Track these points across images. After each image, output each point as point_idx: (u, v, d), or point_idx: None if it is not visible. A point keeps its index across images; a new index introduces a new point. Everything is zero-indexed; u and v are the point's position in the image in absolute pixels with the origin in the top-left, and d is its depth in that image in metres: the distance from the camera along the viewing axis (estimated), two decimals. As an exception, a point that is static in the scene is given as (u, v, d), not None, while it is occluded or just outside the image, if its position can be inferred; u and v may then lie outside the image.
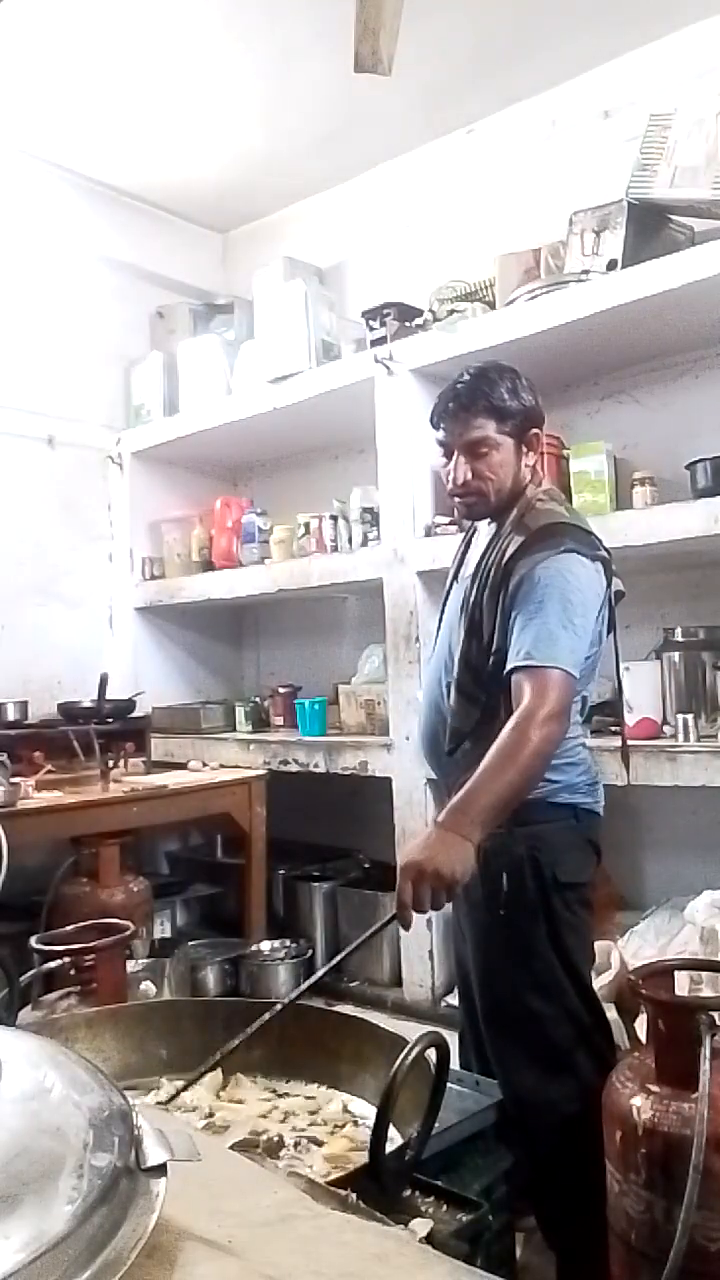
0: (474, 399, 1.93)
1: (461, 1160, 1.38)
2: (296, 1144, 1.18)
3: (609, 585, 1.91)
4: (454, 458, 1.96)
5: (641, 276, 2.72)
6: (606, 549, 1.94)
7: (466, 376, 1.97)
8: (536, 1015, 1.85)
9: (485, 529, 2.06)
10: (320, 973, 1.59)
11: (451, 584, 2.14)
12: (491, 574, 1.89)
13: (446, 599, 2.15)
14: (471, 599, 1.92)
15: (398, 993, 3.26)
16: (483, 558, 1.95)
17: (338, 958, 1.60)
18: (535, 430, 1.98)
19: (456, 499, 2.02)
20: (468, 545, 2.16)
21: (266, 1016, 1.35)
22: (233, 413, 3.82)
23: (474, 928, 1.96)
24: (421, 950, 3.18)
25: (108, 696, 3.51)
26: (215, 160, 3.90)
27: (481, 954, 1.93)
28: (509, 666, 1.79)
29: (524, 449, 1.96)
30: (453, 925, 2.19)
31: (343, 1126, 1.24)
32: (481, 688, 1.88)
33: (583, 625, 1.80)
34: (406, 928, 1.66)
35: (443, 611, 2.16)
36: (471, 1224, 0.98)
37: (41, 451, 3.98)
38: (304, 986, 1.54)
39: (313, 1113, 1.27)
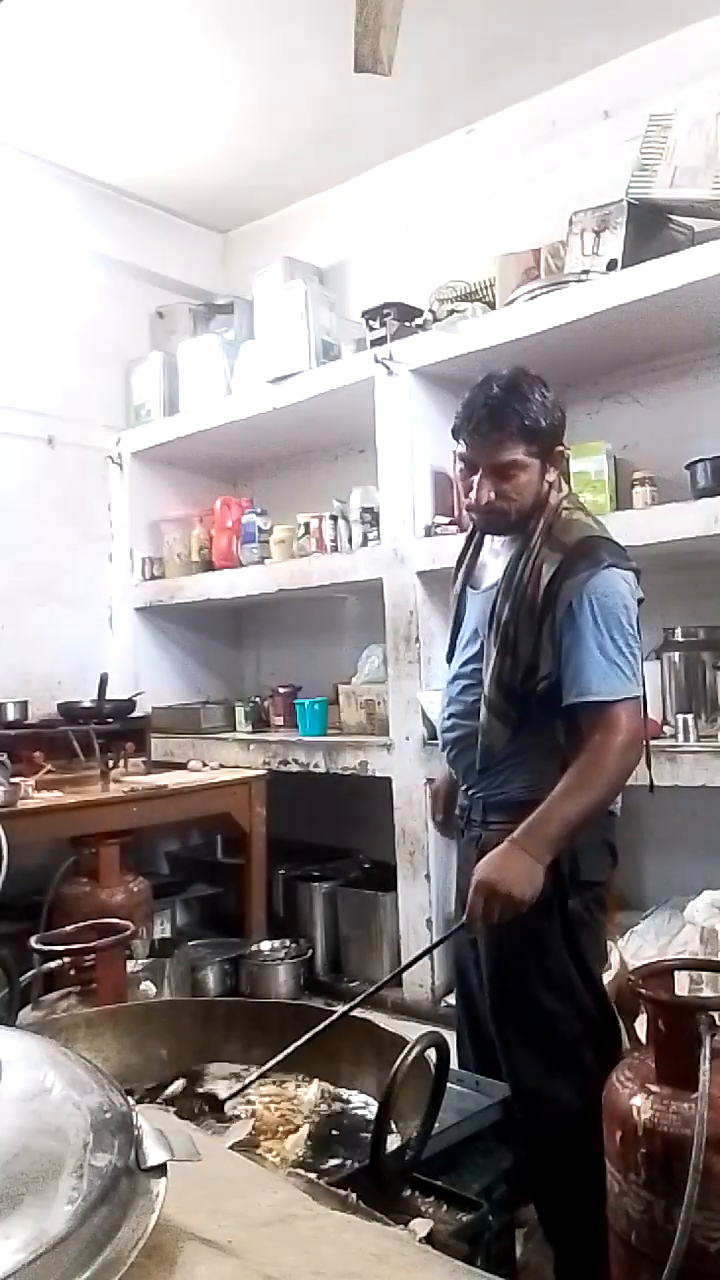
0: (506, 420, 1.85)
1: (461, 1160, 1.38)
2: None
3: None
4: (478, 474, 1.91)
5: (641, 276, 2.72)
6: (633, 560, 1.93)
7: (497, 390, 1.87)
8: (548, 1012, 1.85)
9: (503, 538, 2.02)
10: (383, 981, 1.71)
11: (464, 590, 2.09)
12: (528, 593, 1.84)
13: (459, 606, 2.10)
14: (504, 616, 1.87)
15: (398, 993, 3.26)
16: (512, 571, 1.90)
17: (400, 969, 1.72)
18: (560, 447, 1.95)
19: (475, 515, 1.99)
20: (476, 550, 2.11)
21: (325, 1024, 1.36)
22: (233, 413, 3.82)
23: (486, 925, 1.95)
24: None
25: (108, 696, 3.51)
26: (215, 160, 3.90)
27: (494, 950, 1.93)
28: (573, 699, 1.80)
29: (548, 465, 1.92)
30: (454, 924, 2.19)
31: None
32: (514, 706, 1.86)
33: (636, 644, 1.84)
34: (475, 938, 1.88)
35: (456, 620, 2.10)
36: (471, 1224, 0.98)
37: (41, 451, 3.98)
38: (366, 994, 1.58)
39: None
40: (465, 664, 2.01)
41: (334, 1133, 1.23)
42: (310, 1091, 1.30)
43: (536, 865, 1.72)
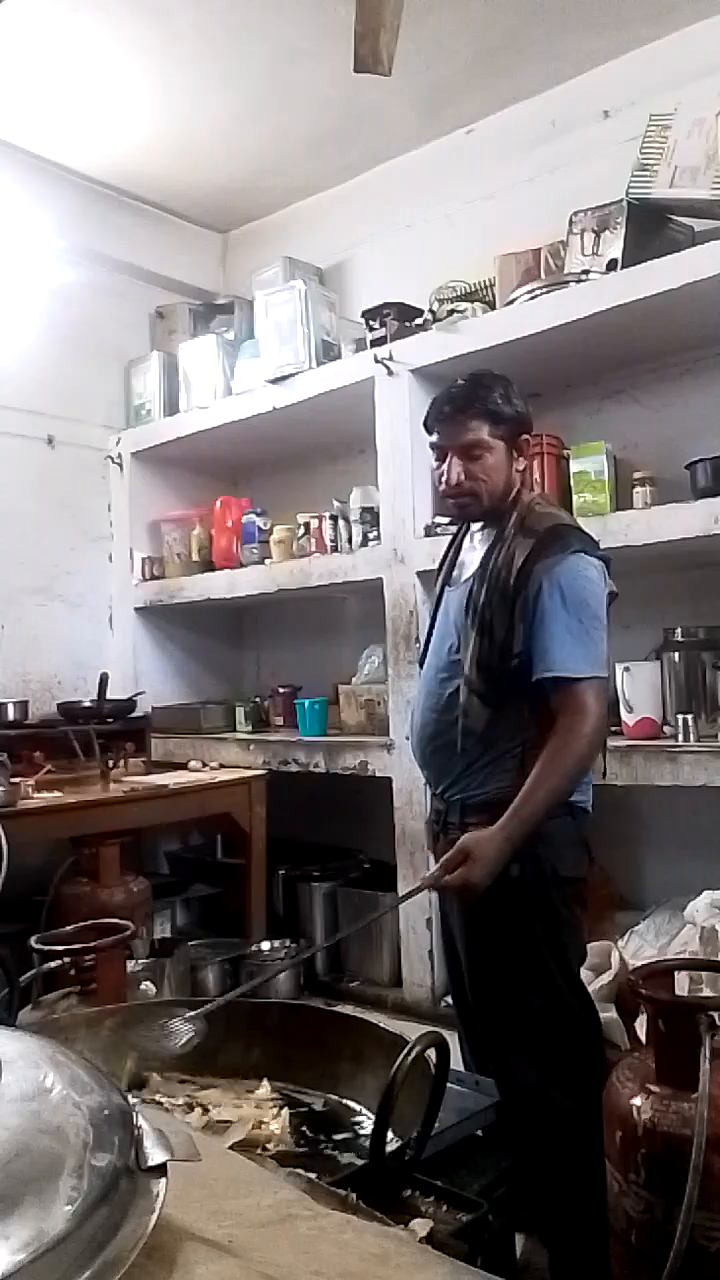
0: (469, 402, 1.97)
1: (461, 1160, 1.38)
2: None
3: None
4: (447, 459, 2.00)
5: (641, 276, 2.72)
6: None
7: (460, 382, 2.03)
8: (534, 1011, 1.86)
9: (480, 533, 2.07)
10: (340, 935, 1.70)
11: (444, 588, 2.15)
12: (501, 576, 1.90)
13: (439, 602, 2.15)
14: (480, 600, 1.93)
15: (398, 993, 3.26)
16: (487, 560, 1.96)
17: (357, 924, 1.73)
18: (526, 436, 2.04)
19: (449, 500, 2.06)
20: (458, 549, 2.17)
21: (284, 967, 1.37)
22: (233, 413, 3.82)
23: (468, 924, 1.96)
24: (421, 950, 3.18)
25: (108, 696, 3.51)
26: (215, 160, 3.90)
27: (477, 950, 1.94)
28: (541, 675, 1.84)
29: (515, 454, 2.01)
30: (441, 923, 2.19)
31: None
32: (493, 687, 1.90)
33: (602, 627, 1.89)
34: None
35: (434, 615, 2.16)
36: (471, 1224, 0.98)
37: (41, 451, 3.98)
38: (312, 949, 1.57)
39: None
40: (444, 654, 2.04)
41: (310, 1118, 1.25)
42: (263, 1088, 1.31)
43: (508, 853, 1.78)
